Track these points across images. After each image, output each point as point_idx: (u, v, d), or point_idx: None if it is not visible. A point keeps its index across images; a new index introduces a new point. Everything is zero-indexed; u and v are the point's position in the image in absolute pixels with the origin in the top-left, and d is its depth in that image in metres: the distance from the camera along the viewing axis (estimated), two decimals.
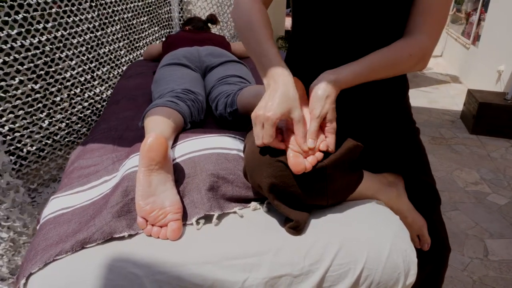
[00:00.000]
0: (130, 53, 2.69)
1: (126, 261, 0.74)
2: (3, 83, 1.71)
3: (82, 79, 2.20)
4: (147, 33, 2.87)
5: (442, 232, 1.07)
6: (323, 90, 0.77)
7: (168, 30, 3.15)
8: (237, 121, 1.31)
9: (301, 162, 0.74)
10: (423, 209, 1.03)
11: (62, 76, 2.05)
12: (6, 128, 1.76)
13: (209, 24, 2.48)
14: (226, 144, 0.99)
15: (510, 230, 1.98)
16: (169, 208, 0.82)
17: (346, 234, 0.81)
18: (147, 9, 2.82)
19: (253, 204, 0.90)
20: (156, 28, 2.99)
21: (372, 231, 0.83)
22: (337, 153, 0.81)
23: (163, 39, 2.50)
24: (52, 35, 1.94)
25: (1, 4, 1.65)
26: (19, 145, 1.86)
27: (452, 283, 1.64)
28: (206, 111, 1.44)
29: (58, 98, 2.04)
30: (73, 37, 2.10)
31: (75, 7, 2.07)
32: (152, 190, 0.83)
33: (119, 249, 0.78)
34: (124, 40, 2.59)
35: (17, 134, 1.83)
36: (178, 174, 0.91)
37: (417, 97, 4.03)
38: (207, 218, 0.86)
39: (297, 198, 0.80)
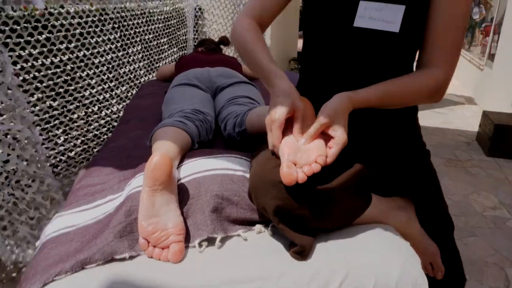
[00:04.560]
0: (150, 73, 2.75)
1: (126, 284, 0.73)
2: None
3: (101, 97, 2.24)
4: (166, 53, 2.94)
5: (456, 260, 1.02)
6: (335, 102, 0.80)
7: (183, 52, 3.22)
8: (246, 141, 1.31)
9: (292, 173, 0.72)
10: (435, 235, 0.99)
11: (81, 94, 2.09)
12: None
13: (221, 46, 2.52)
14: (232, 165, 0.98)
15: None
16: (172, 230, 0.81)
17: (353, 260, 0.78)
18: (167, 31, 2.89)
19: (258, 227, 0.88)
20: (175, 49, 3.06)
21: (381, 257, 0.79)
22: (345, 175, 0.80)
23: (177, 59, 2.55)
24: (74, 54, 1.99)
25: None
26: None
27: None
28: (215, 131, 1.44)
29: (75, 116, 2.08)
30: (95, 57, 2.15)
31: (99, 28, 2.13)
32: (155, 210, 0.82)
33: (119, 271, 0.76)
34: (144, 60, 2.65)
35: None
36: (183, 194, 0.90)
37: (431, 118, 3.97)
38: (210, 241, 0.84)
39: (302, 221, 0.78)
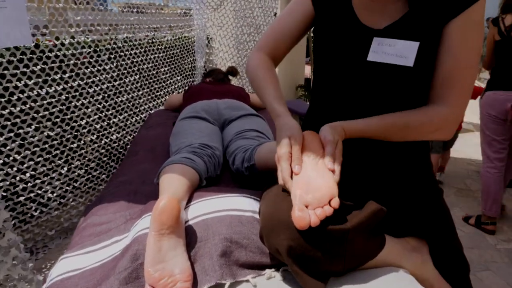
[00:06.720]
0: (150, 102, 2.76)
1: None
2: (20, 131, 1.76)
3: (98, 126, 2.24)
4: (168, 82, 2.96)
5: None
6: (331, 125, 0.83)
7: (191, 79, 3.25)
8: (254, 177, 1.29)
9: (305, 217, 0.70)
10: (450, 277, 0.95)
11: (78, 123, 2.10)
12: (28, 175, 1.80)
13: (229, 76, 2.55)
14: (241, 205, 0.96)
15: None
16: (179, 276, 0.79)
17: None
18: (169, 60, 2.92)
19: (268, 271, 0.85)
20: (179, 78, 3.08)
21: None
22: (361, 216, 0.78)
23: (185, 89, 2.57)
24: (69, 84, 2.01)
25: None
26: (39, 192, 1.88)
27: None
28: (223, 165, 1.43)
29: (74, 145, 2.08)
30: (90, 87, 2.16)
31: (94, 58, 2.15)
32: (162, 255, 0.80)
33: None
34: (143, 89, 2.66)
35: (38, 181, 1.86)
36: (190, 237, 0.88)
37: None
38: (219, 287, 0.81)
39: (315, 262, 0.76)
